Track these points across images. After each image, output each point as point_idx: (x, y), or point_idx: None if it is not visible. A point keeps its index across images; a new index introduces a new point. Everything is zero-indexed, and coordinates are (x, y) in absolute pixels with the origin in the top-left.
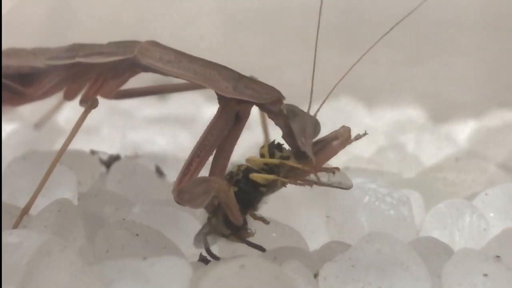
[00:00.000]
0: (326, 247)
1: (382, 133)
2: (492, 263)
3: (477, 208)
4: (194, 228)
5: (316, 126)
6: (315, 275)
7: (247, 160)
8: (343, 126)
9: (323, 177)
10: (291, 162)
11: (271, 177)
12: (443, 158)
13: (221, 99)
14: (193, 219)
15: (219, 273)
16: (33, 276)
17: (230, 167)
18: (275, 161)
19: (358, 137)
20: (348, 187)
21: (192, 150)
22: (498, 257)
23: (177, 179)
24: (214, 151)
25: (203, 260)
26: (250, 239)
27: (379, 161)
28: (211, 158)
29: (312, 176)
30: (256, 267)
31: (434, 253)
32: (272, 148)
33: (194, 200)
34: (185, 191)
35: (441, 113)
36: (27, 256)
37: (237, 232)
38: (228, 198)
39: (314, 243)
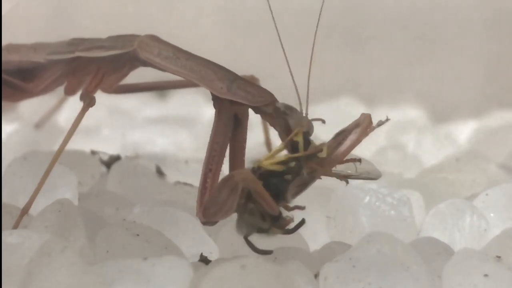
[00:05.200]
0: (326, 247)
1: (383, 133)
2: (493, 263)
3: (478, 208)
4: (194, 228)
5: (309, 126)
6: (316, 276)
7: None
8: (363, 114)
9: (350, 168)
10: (301, 154)
11: (281, 158)
12: (444, 158)
13: (216, 100)
14: (193, 219)
15: (219, 273)
16: (34, 276)
17: (249, 165)
18: (282, 158)
19: (380, 123)
20: (377, 177)
21: (203, 166)
22: (499, 257)
23: (197, 202)
24: (228, 160)
25: (203, 260)
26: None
27: (379, 161)
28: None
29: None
30: (257, 267)
31: (435, 253)
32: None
33: (222, 209)
34: (210, 205)
35: (441, 113)
36: (28, 257)
37: (277, 222)
38: (257, 185)
39: (315, 243)
